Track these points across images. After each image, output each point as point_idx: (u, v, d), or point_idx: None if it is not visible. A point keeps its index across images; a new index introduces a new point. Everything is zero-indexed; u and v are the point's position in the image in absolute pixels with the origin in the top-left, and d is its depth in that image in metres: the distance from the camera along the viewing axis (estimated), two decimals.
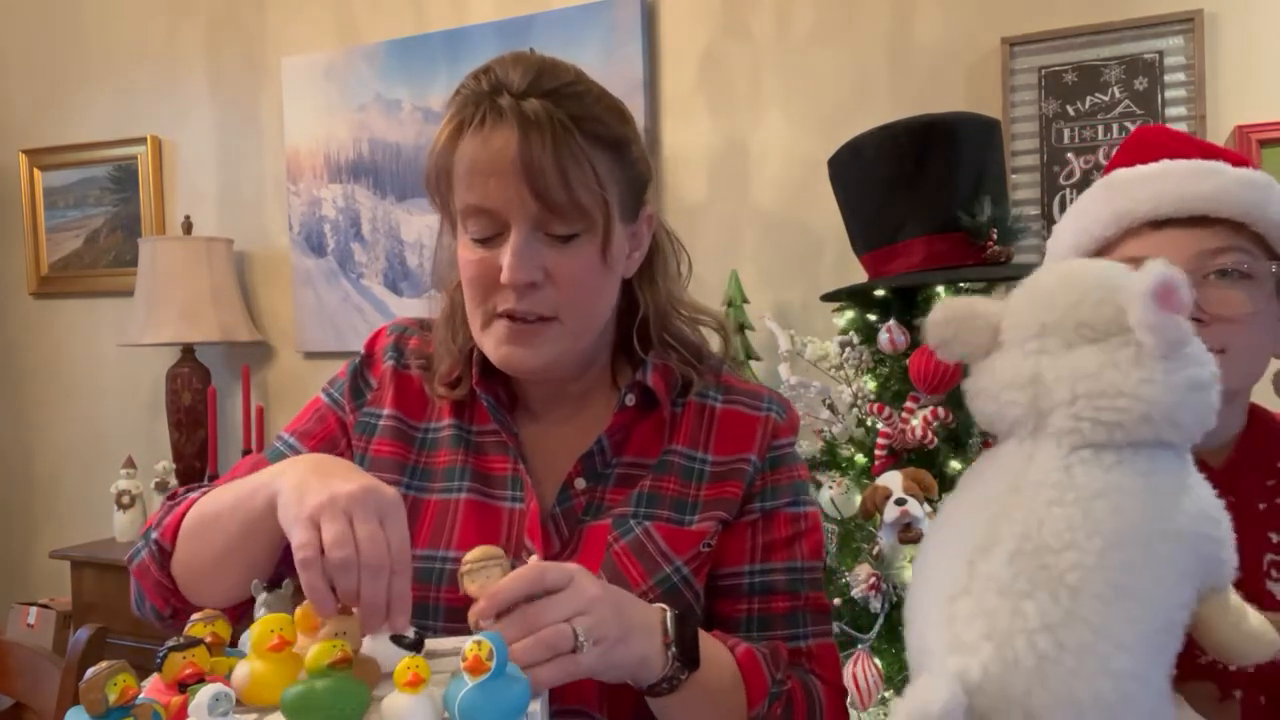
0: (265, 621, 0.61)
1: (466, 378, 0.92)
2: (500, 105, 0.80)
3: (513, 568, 0.85)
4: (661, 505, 0.88)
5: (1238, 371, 0.81)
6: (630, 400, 0.90)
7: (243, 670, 0.61)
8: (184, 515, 0.83)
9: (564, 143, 0.79)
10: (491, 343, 0.85)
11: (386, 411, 0.94)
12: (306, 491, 0.69)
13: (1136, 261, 0.82)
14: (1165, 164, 0.86)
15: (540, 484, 0.90)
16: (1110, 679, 0.58)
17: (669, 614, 0.76)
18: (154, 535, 0.85)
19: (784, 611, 0.90)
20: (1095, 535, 0.60)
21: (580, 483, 0.89)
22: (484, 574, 0.65)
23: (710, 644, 0.80)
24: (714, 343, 0.99)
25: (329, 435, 0.94)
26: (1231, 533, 0.66)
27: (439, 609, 0.84)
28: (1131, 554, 0.60)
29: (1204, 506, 0.66)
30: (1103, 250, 0.88)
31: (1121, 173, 0.89)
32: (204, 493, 0.86)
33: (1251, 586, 0.81)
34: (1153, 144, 0.89)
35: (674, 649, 0.74)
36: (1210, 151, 0.88)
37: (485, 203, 0.81)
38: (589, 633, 0.67)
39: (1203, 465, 0.83)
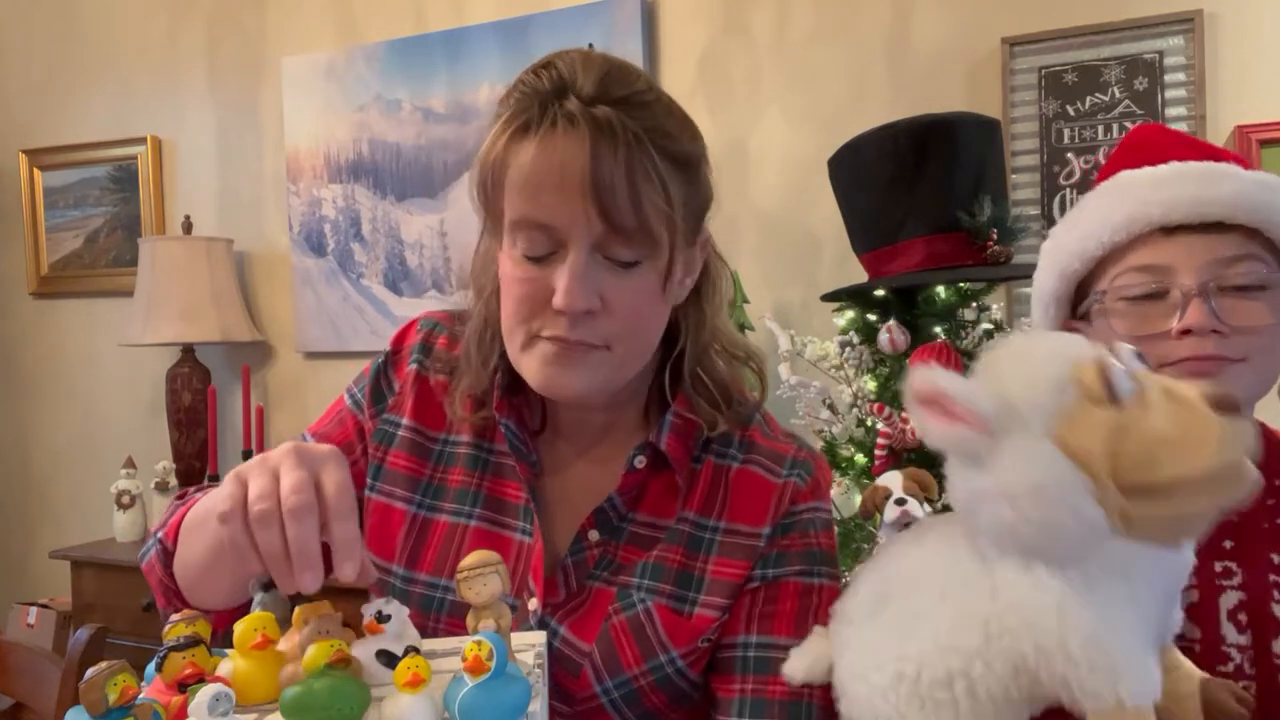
0: (249, 620, 0.62)
1: (489, 400, 0.86)
2: (570, 110, 0.71)
3: (513, 607, 0.81)
4: (665, 579, 0.82)
5: (1259, 379, 0.81)
6: (640, 463, 0.83)
7: (225, 668, 0.61)
8: (181, 522, 0.81)
9: (638, 158, 0.71)
10: (534, 365, 0.77)
11: (405, 421, 0.89)
12: (246, 462, 0.66)
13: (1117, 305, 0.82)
14: (1176, 166, 0.83)
15: (553, 522, 0.85)
16: None
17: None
18: (159, 534, 0.83)
19: (783, 698, 0.79)
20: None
21: (594, 535, 0.83)
22: (481, 580, 0.65)
23: None
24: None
25: (345, 440, 0.91)
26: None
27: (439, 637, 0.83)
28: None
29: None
30: (1109, 256, 0.85)
31: (1129, 175, 0.85)
32: (206, 491, 0.83)
33: (1257, 608, 0.81)
34: (1155, 145, 0.87)
35: None
36: (1213, 153, 0.86)
37: (544, 217, 0.72)
38: None
39: None
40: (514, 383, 0.84)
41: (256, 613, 0.63)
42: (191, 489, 0.89)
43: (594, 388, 0.78)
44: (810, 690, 0.78)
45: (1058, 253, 0.89)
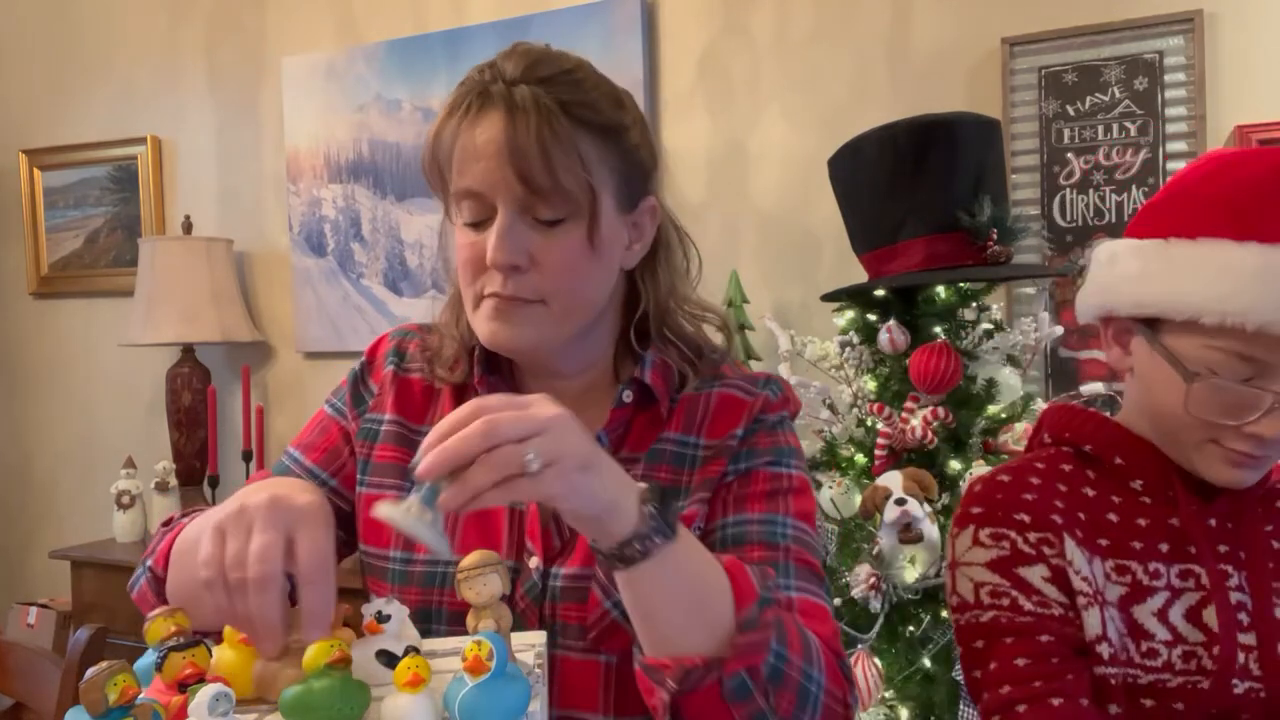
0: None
1: (467, 364, 0.92)
2: (491, 92, 0.81)
3: (513, 571, 0.84)
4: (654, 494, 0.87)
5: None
6: (628, 397, 0.89)
7: (214, 658, 0.63)
8: (170, 548, 0.83)
9: (548, 126, 0.79)
10: (481, 322, 0.85)
11: (388, 416, 0.93)
12: (225, 505, 0.68)
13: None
14: None
15: None
16: None
17: (649, 484, 0.71)
18: (149, 562, 0.85)
19: (760, 561, 0.82)
20: None
21: None
22: (481, 580, 0.65)
23: (693, 540, 0.74)
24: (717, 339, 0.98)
25: (331, 446, 0.94)
26: None
27: (442, 612, 0.85)
28: None
29: None
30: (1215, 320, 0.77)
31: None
32: (193, 517, 0.85)
33: (1260, 609, 0.81)
34: None
35: (651, 507, 0.69)
36: None
37: (474, 185, 0.81)
38: (542, 453, 0.62)
39: (1207, 492, 0.84)
40: (490, 361, 0.91)
41: None
42: (177, 514, 0.91)
43: (537, 341, 0.85)
44: (786, 550, 0.84)
45: (1166, 280, 0.80)
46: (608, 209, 0.84)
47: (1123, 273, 0.84)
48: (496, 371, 0.91)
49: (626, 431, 0.90)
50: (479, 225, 0.83)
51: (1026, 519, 0.84)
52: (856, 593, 1.50)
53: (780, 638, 0.72)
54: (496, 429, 0.62)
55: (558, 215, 0.81)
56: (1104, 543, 0.84)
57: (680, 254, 0.95)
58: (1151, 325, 0.82)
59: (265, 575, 0.63)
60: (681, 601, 0.70)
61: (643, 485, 0.70)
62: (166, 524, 0.90)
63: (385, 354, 0.97)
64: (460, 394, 0.93)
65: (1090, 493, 0.86)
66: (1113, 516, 0.85)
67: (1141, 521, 0.84)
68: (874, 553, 1.52)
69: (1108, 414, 0.91)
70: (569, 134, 0.80)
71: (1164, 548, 0.83)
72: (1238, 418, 0.77)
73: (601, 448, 0.69)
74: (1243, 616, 0.81)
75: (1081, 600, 0.80)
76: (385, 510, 0.63)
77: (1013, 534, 0.84)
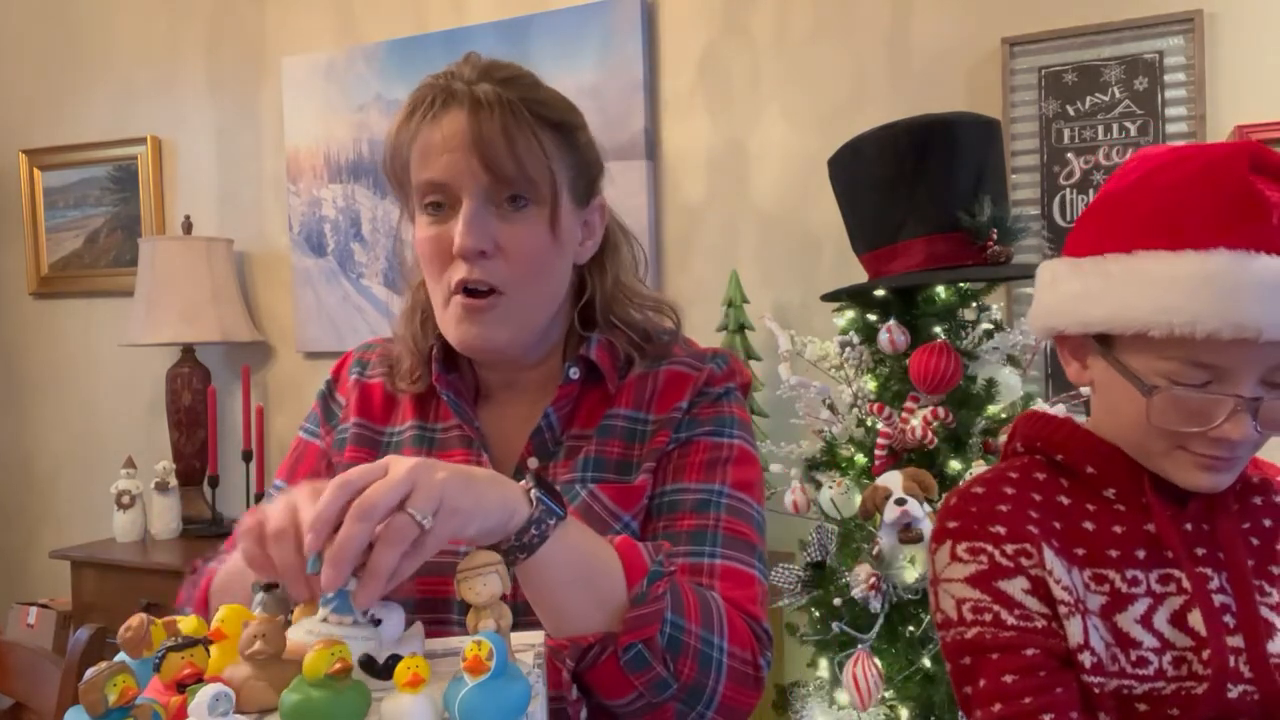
0: (231, 610, 0.64)
1: (426, 374, 0.94)
2: (454, 89, 0.85)
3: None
4: (606, 469, 0.89)
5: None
6: (574, 373, 0.91)
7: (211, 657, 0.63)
8: (208, 588, 0.84)
9: (511, 118, 0.83)
10: (450, 324, 0.88)
11: (352, 420, 0.97)
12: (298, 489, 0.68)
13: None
14: None
15: (499, 471, 0.90)
16: None
17: (526, 474, 0.73)
18: (188, 611, 0.86)
19: (689, 529, 0.86)
20: None
21: (533, 462, 0.90)
22: (481, 580, 0.65)
23: (580, 523, 0.75)
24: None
25: (310, 469, 0.97)
26: None
27: (409, 601, 0.84)
28: None
29: None
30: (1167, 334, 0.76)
31: (1231, 267, 0.73)
32: (220, 561, 0.87)
33: (1244, 610, 0.81)
34: (1270, 207, 0.75)
35: (536, 492, 0.69)
36: None
37: (439, 176, 0.84)
38: (424, 506, 0.62)
39: (1178, 496, 0.84)
40: (447, 359, 0.94)
41: (229, 605, 0.65)
42: (200, 561, 0.92)
43: (505, 339, 0.88)
44: (716, 519, 0.86)
45: (1110, 300, 0.78)
46: (565, 202, 0.88)
47: (1066, 292, 0.83)
48: (455, 369, 0.95)
49: (575, 408, 0.93)
50: (442, 217, 0.86)
51: (1002, 531, 0.83)
52: (856, 593, 1.50)
53: (676, 607, 0.75)
54: (375, 508, 0.61)
55: (522, 203, 0.85)
56: (1080, 552, 0.83)
57: (627, 253, 0.98)
58: (1104, 341, 0.82)
59: (363, 509, 0.61)
60: (576, 582, 0.72)
61: (523, 478, 0.72)
62: (193, 572, 0.91)
63: (349, 366, 1.01)
64: (420, 401, 0.96)
65: (1065, 501, 0.86)
66: (1088, 525, 0.84)
67: (1117, 529, 0.84)
68: (874, 553, 1.52)
69: (1080, 419, 0.90)
70: (530, 125, 0.84)
71: (1141, 554, 0.82)
72: (1202, 424, 0.77)
73: (433, 460, 0.68)
74: (1228, 619, 0.80)
75: (1063, 609, 0.80)
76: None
77: (989, 547, 0.83)
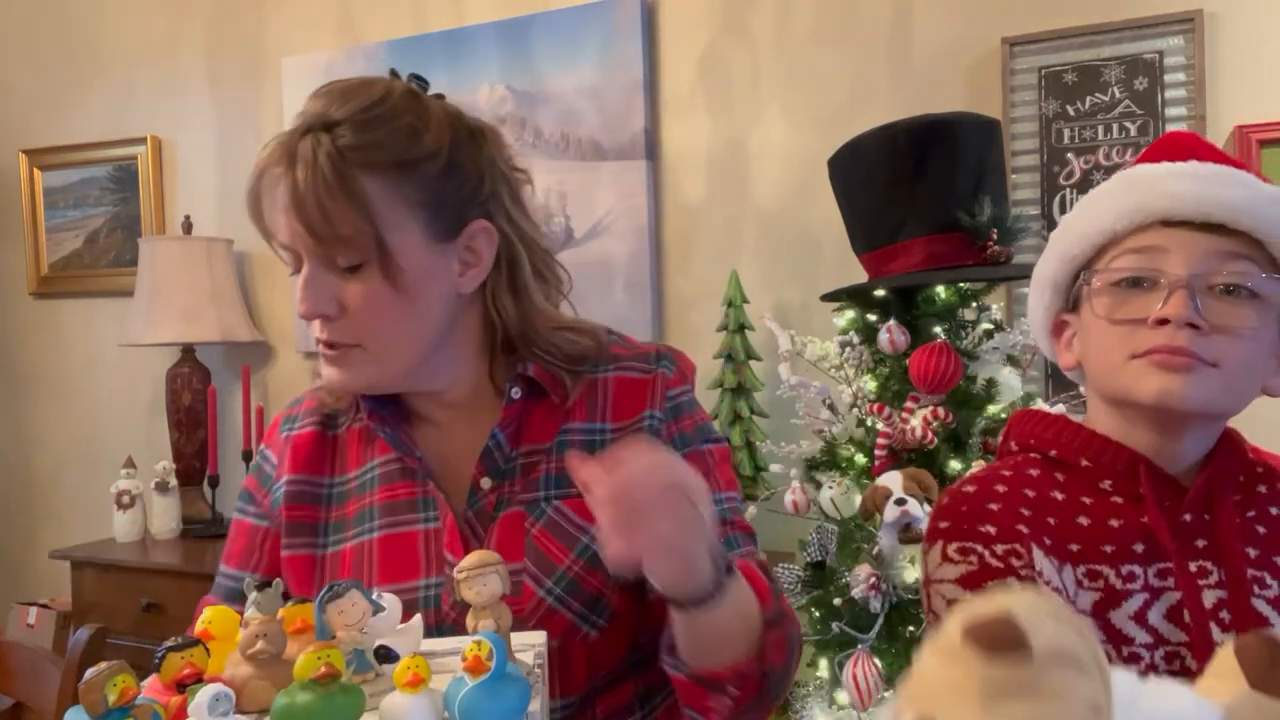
0: (207, 613, 0.65)
1: (358, 412, 0.95)
2: (284, 142, 0.83)
3: (438, 585, 0.87)
4: (568, 484, 0.87)
5: (1227, 391, 0.79)
6: (516, 394, 0.91)
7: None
8: None
9: (321, 177, 0.80)
10: (321, 367, 0.90)
11: (286, 478, 0.96)
12: None
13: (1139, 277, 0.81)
14: (1192, 165, 0.82)
15: (449, 495, 0.91)
16: None
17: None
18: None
19: (721, 539, 0.90)
20: None
21: (486, 482, 0.91)
22: (480, 580, 0.65)
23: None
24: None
25: (243, 546, 0.97)
26: None
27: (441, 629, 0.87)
28: None
29: None
30: (1109, 244, 0.85)
31: (1143, 168, 0.85)
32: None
33: (1239, 605, 0.80)
34: (1182, 146, 0.86)
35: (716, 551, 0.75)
36: (1239, 165, 0.85)
37: (282, 239, 0.86)
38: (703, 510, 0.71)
39: (1177, 486, 0.84)
40: (379, 397, 0.93)
41: (218, 607, 0.66)
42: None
43: (369, 382, 0.89)
44: (732, 523, 0.91)
45: (1063, 237, 0.89)
46: (411, 245, 0.84)
47: (1040, 277, 0.92)
48: (387, 405, 0.94)
49: (522, 426, 0.92)
50: (298, 274, 0.87)
51: (992, 530, 0.82)
52: (856, 593, 1.50)
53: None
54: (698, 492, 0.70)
55: (352, 262, 0.84)
56: (1074, 548, 0.82)
57: (529, 271, 0.92)
58: (1075, 308, 0.89)
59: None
60: (736, 620, 0.77)
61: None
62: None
63: (279, 425, 1.01)
64: (364, 433, 0.96)
65: (1059, 496, 0.85)
66: (1084, 520, 0.83)
67: (1114, 523, 0.83)
68: (874, 553, 1.52)
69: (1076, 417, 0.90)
70: (347, 181, 0.80)
71: (1139, 548, 0.82)
72: (1144, 311, 0.80)
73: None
74: (1224, 614, 0.79)
75: None
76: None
77: (980, 547, 0.82)
